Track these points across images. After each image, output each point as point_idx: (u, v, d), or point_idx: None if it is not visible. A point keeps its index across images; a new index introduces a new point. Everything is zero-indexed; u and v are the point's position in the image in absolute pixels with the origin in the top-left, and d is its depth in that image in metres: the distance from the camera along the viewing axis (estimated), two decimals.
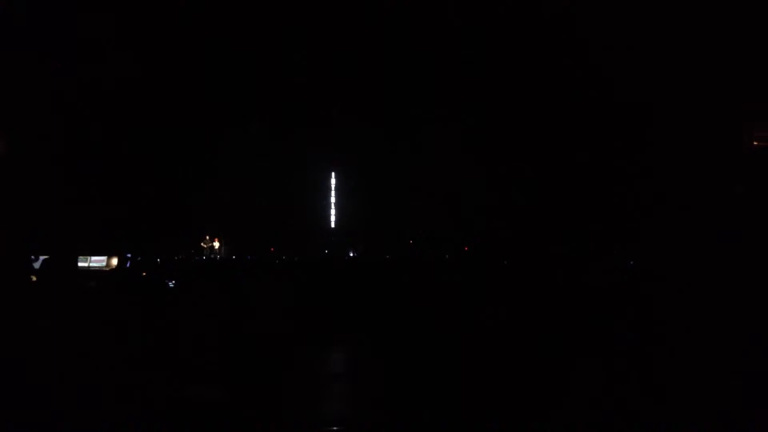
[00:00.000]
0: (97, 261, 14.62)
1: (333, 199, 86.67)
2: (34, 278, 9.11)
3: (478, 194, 33.26)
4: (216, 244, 61.77)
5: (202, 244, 58.27)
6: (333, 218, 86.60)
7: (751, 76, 19.76)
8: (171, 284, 15.82)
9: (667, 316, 11.18)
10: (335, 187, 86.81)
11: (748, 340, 8.29)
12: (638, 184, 24.22)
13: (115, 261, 14.70)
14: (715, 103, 21.57)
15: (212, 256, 56.64)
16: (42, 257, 9.58)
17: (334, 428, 5.64)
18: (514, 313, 12.21)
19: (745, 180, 19.93)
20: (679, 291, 14.38)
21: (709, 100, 21.71)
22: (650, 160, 23.54)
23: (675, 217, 20.54)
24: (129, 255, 15.13)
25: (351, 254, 69.46)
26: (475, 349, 8.81)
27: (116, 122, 26.81)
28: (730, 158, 20.88)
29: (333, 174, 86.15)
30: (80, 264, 14.02)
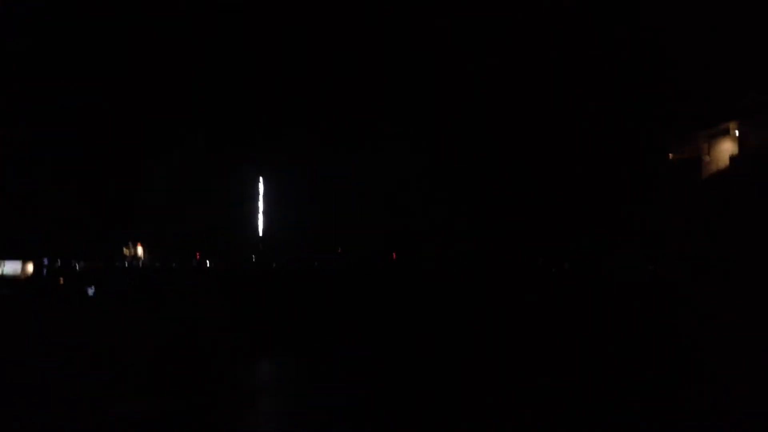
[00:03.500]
0: (11, 266, 13.88)
1: (261, 206, 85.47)
2: None
3: (414, 202, 33.40)
4: (139, 250, 59.51)
5: (124, 250, 56.03)
6: (261, 226, 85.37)
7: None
8: (90, 292, 15.18)
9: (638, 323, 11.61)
10: (263, 194, 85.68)
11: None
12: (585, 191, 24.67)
13: (30, 267, 13.99)
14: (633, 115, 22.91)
15: (134, 263, 54.49)
16: None
17: None
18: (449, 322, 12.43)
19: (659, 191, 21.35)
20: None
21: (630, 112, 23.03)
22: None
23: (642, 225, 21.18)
24: (46, 261, 14.43)
25: (274, 264, 68.13)
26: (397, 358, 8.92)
27: (38, 121, 25.60)
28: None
29: (261, 180, 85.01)
30: None
